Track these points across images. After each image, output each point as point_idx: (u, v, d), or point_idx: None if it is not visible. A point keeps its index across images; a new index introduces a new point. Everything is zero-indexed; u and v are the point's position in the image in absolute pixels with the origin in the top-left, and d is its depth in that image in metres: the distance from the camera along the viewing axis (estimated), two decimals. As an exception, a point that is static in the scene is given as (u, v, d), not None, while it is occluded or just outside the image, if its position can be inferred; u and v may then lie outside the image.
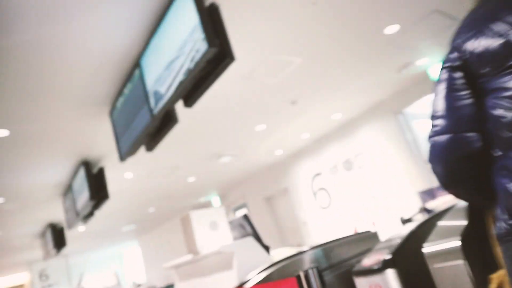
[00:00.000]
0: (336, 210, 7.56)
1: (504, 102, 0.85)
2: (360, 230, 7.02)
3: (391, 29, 3.98)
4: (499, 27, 0.86)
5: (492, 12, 0.91)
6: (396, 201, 6.35)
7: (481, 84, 0.90)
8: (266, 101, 5.05)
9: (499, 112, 0.86)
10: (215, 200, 10.89)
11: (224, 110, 4.95)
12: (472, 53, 0.92)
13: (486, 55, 0.88)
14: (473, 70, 0.92)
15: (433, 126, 1.00)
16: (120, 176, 6.32)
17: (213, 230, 2.58)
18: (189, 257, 2.54)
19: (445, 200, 2.62)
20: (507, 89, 0.84)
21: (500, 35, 0.85)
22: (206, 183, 9.09)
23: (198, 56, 2.32)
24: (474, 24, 0.94)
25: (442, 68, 1.02)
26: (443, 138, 0.96)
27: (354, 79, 5.12)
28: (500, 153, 0.87)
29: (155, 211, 10.16)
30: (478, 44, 0.90)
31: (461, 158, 0.94)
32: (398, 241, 1.97)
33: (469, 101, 0.93)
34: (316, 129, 6.99)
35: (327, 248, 2.46)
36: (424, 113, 6.10)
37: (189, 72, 2.44)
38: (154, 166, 6.37)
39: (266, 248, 2.48)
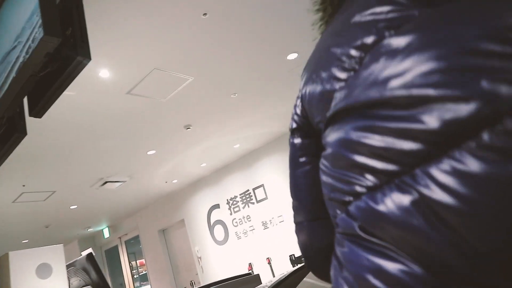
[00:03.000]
0: (232, 245, 7.14)
1: (322, 163, 0.53)
2: (255, 267, 6.70)
3: (293, 55, 3.82)
4: (323, 72, 0.58)
5: (319, 57, 0.62)
6: (291, 238, 6.15)
7: None
8: (157, 123, 4.55)
9: (322, 177, 0.53)
10: (106, 231, 9.82)
11: (108, 129, 4.32)
12: (307, 102, 0.63)
13: (314, 105, 0.60)
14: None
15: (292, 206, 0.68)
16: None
17: (42, 277, 1.97)
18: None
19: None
20: (326, 144, 0.53)
21: (322, 81, 0.58)
22: (92, 212, 8.09)
23: (33, 46, 1.79)
24: (308, 65, 0.66)
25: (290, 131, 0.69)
26: (297, 226, 0.67)
27: (253, 106, 4.88)
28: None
29: (29, 242, 8.78)
30: (307, 90, 0.62)
31: (317, 250, 0.63)
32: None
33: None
34: (215, 158, 6.61)
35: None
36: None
37: (24, 66, 1.89)
38: (21, 189, 5.39)
39: (111, 300, 1.94)
